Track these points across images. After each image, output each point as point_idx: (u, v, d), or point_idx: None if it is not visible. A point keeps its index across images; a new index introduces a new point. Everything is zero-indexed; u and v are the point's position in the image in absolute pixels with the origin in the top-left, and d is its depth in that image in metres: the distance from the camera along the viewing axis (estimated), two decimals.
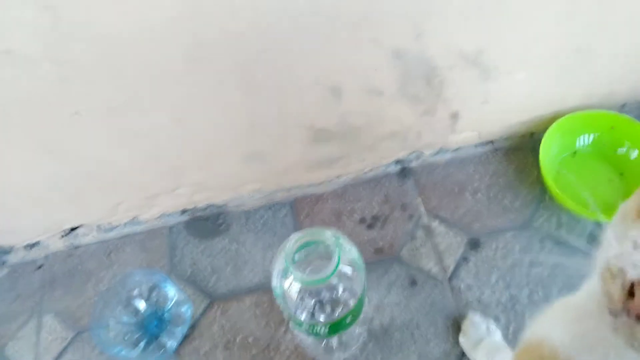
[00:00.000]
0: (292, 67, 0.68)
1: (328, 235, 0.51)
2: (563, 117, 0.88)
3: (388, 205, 0.92)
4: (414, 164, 0.96)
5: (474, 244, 0.86)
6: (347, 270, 0.55)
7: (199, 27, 0.59)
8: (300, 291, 0.56)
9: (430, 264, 0.85)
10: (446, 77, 0.76)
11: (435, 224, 0.89)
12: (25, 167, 0.74)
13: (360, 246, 0.82)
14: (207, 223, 0.95)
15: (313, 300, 0.58)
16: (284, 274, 0.56)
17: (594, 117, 0.89)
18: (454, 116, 0.85)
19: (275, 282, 0.56)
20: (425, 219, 0.90)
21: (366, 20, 0.64)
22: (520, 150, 0.95)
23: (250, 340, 0.82)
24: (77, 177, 0.79)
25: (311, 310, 0.58)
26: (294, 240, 0.51)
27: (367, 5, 0.62)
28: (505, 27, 0.71)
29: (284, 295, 0.56)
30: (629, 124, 0.87)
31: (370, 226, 0.90)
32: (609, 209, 0.81)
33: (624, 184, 0.87)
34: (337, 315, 0.56)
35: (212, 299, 0.86)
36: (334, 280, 0.55)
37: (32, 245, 0.93)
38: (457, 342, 0.77)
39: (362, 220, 0.91)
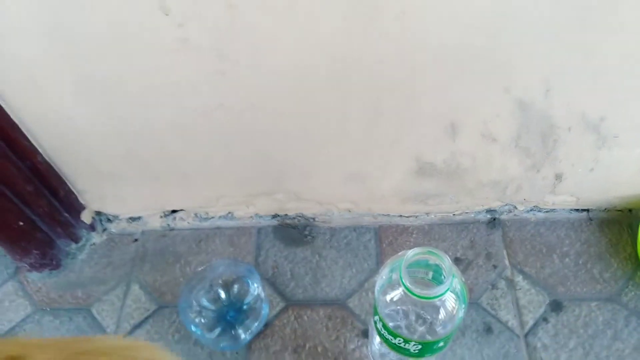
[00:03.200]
0: (418, 97, 0.72)
1: (445, 257, 0.53)
2: None
3: (473, 251, 0.93)
4: (505, 216, 0.97)
5: (556, 306, 0.86)
6: (452, 296, 0.57)
7: (347, 49, 0.65)
8: (401, 305, 0.59)
9: (508, 316, 0.85)
10: (561, 137, 0.78)
11: (519, 278, 0.89)
12: (150, 142, 0.81)
13: None
14: (294, 231, 0.99)
15: (413, 316, 0.60)
16: (389, 285, 0.58)
17: None
18: (558, 177, 0.86)
19: (378, 290, 0.59)
20: (509, 272, 0.90)
21: (501, 67, 0.68)
22: (617, 223, 0.94)
23: (319, 349, 0.84)
24: (193, 161, 0.86)
25: (409, 327, 0.60)
26: (413, 253, 0.53)
27: (504, 53, 0.66)
28: (633, 99, 0.72)
29: (383, 306, 0.59)
30: None
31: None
32: None
33: None
34: (433, 336, 0.58)
35: (288, 303, 0.90)
36: (438, 302, 0.57)
37: (134, 219, 1.00)
38: None
39: None
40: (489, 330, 0.84)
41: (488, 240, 0.95)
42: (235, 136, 0.79)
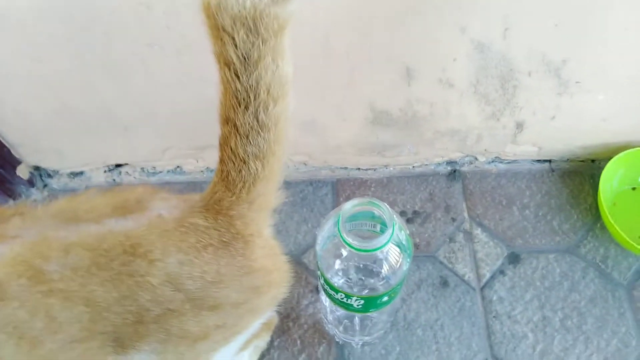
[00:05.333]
0: (370, 37, 0.67)
1: (385, 208, 0.50)
2: (631, 150, 0.85)
3: (431, 204, 0.90)
4: (465, 168, 0.94)
5: (513, 259, 0.84)
6: (395, 249, 0.53)
7: None
8: (343, 259, 0.55)
9: (465, 269, 0.83)
10: (522, 83, 0.74)
11: (477, 231, 0.87)
12: (85, 89, 0.75)
13: None
14: None
15: (354, 270, 0.57)
16: (330, 239, 0.55)
17: None
18: (519, 126, 0.83)
19: (319, 245, 0.55)
20: (467, 225, 0.88)
21: (456, 2, 0.62)
22: (579, 174, 0.92)
23: None
24: (131, 110, 0.79)
25: (350, 281, 0.57)
26: (351, 205, 0.49)
27: None
28: (596, 41, 0.68)
29: (325, 260, 0.55)
30: None
31: (409, 220, 0.89)
32: None
33: None
34: (375, 290, 0.55)
35: None
36: (380, 255, 0.53)
37: (75, 174, 0.94)
38: (479, 350, 0.75)
39: (403, 213, 0.89)
40: (445, 284, 0.82)
41: (447, 193, 0.92)
42: (173, 81, 0.73)
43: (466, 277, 0.82)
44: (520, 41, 0.68)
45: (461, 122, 0.82)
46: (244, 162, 0.41)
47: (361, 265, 0.57)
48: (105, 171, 0.94)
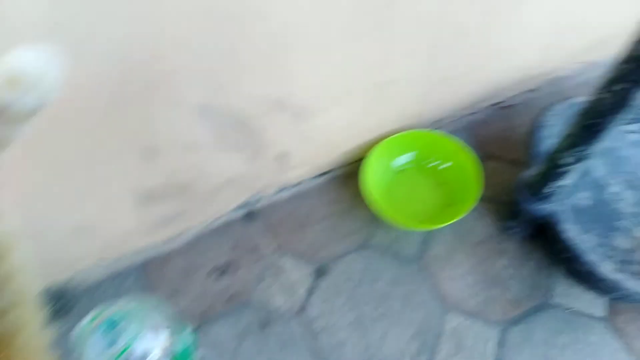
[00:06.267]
0: (100, 129, 0.67)
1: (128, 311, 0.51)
2: (381, 142, 0.96)
3: (237, 251, 0.94)
4: (258, 206, 0.99)
5: (320, 272, 0.91)
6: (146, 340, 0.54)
7: None
8: None
9: (280, 301, 0.88)
10: (260, 123, 0.81)
11: (283, 260, 0.92)
12: None
13: (213, 298, 0.83)
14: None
15: None
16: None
17: (408, 138, 0.98)
18: (282, 156, 0.90)
19: None
20: (274, 258, 0.93)
21: (163, 81, 0.66)
22: (354, 175, 1.02)
23: None
24: None
25: None
26: (81, 328, 0.49)
27: (160, 69, 0.64)
28: (301, 71, 0.76)
29: None
30: (438, 139, 0.98)
31: (221, 275, 0.91)
32: (436, 217, 0.90)
33: (445, 193, 0.97)
34: None
35: None
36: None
37: None
38: None
39: (213, 271, 0.92)
40: (264, 325, 0.86)
41: (250, 235, 0.96)
42: None
43: (282, 309, 0.87)
44: (238, 91, 0.73)
45: (230, 172, 0.87)
46: None
47: None
48: None
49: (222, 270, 0.92)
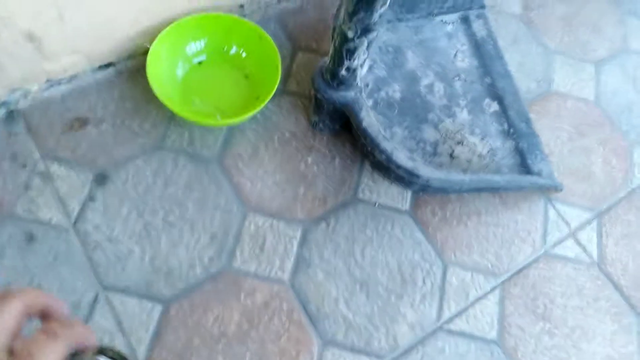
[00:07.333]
0: None
1: None
2: (169, 26, 0.82)
3: None
4: (22, 105, 0.81)
5: (101, 180, 0.77)
6: None
7: None
8: None
9: (50, 214, 0.74)
10: None
11: (54, 167, 0.77)
12: None
13: None
14: None
15: None
16: None
17: (202, 21, 0.85)
18: (31, 38, 0.71)
19: None
20: (41, 165, 0.77)
21: None
22: (144, 69, 0.87)
23: None
24: None
25: None
26: None
27: None
28: None
29: None
30: (235, 23, 0.86)
31: None
32: (239, 111, 0.81)
33: (250, 85, 0.87)
34: None
35: None
36: None
37: None
38: (86, 289, 0.69)
39: None
40: (31, 238, 0.72)
41: (10, 139, 0.78)
42: None
43: (53, 221, 0.73)
44: None
45: None
46: None
47: None
48: None
49: None
